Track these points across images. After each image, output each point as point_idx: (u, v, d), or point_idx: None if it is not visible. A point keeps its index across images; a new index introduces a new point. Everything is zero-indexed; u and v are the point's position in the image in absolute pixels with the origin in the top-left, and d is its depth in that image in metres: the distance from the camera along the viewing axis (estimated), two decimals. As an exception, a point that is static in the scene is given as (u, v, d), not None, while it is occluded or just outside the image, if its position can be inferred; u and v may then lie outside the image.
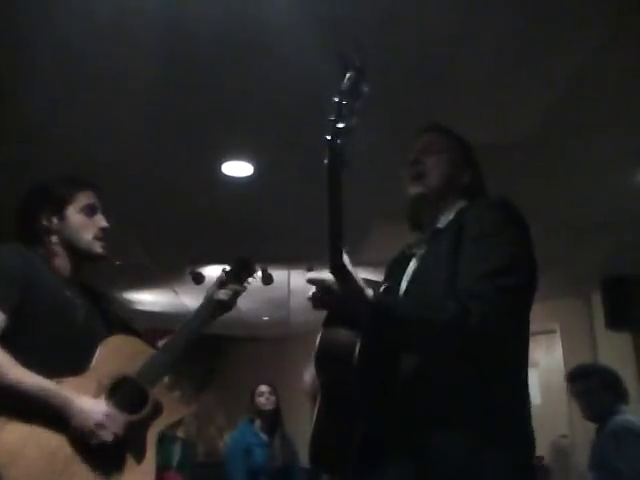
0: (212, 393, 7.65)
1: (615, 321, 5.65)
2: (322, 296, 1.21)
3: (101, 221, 1.78)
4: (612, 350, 5.62)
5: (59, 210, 1.73)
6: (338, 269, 1.16)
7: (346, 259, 1.17)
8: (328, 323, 1.30)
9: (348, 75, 1.10)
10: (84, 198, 1.77)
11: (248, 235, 4.53)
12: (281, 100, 2.81)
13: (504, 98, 2.81)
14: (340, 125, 1.10)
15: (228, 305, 1.90)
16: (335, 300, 1.20)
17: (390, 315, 1.19)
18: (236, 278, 1.94)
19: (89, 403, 1.53)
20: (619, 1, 2.16)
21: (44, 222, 1.72)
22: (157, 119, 2.99)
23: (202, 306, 1.89)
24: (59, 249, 1.73)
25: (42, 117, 2.91)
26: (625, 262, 5.24)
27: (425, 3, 2.20)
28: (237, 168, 3.53)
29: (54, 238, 1.73)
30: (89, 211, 1.77)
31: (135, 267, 4.81)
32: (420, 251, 1.48)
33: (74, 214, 1.74)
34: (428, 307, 1.22)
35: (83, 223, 1.74)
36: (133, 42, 2.40)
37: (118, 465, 1.56)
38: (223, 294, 1.89)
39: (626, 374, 3.08)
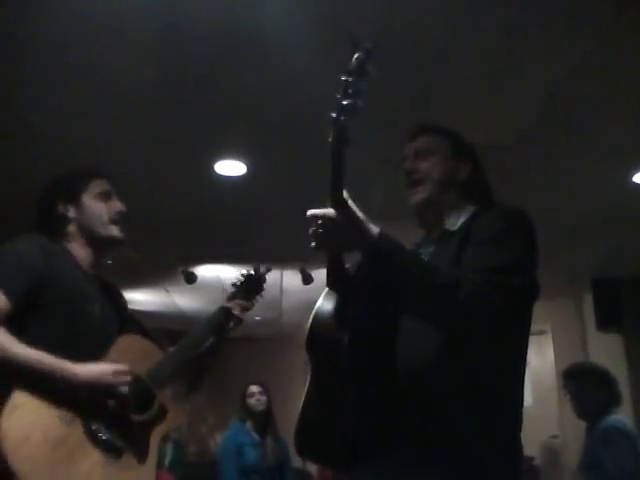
0: (203, 393, 7.63)
1: (606, 322, 5.69)
2: (324, 226, 1.18)
3: (118, 205, 1.79)
4: (603, 351, 5.65)
5: (74, 198, 1.75)
6: (340, 203, 1.16)
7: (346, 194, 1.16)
8: (329, 285, 1.27)
9: (356, 55, 1.11)
10: (98, 185, 1.79)
11: (241, 235, 4.53)
12: (274, 100, 2.81)
13: (500, 99, 2.82)
14: (345, 102, 1.10)
15: (238, 319, 1.92)
16: (337, 229, 1.18)
17: (387, 255, 1.19)
18: (245, 293, 1.97)
19: (93, 370, 1.51)
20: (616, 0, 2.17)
21: (61, 211, 1.73)
22: (150, 118, 2.98)
23: (214, 315, 1.91)
24: (78, 238, 1.74)
25: (40, 116, 2.90)
26: (616, 263, 5.28)
27: (423, 3, 2.21)
28: (230, 167, 3.53)
29: (72, 226, 1.74)
30: (104, 197, 1.78)
31: (127, 266, 4.79)
32: (427, 250, 1.48)
33: (89, 200, 1.76)
34: (424, 266, 1.24)
35: (99, 208, 1.76)
36: (130, 42, 2.39)
37: (122, 456, 1.55)
38: (234, 308, 1.92)
39: (616, 375, 3.08)
